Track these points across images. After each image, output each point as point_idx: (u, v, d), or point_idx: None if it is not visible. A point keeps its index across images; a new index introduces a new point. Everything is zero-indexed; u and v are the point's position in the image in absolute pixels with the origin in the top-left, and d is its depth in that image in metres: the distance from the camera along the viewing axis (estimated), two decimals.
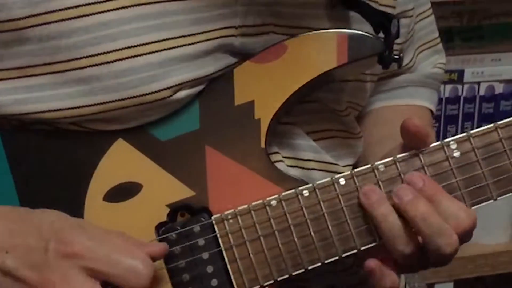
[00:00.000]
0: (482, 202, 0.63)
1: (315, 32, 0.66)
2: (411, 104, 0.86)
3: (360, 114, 0.83)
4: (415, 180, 0.62)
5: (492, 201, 0.63)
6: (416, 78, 0.87)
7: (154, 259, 0.59)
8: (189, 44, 0.62)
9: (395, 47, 0.68)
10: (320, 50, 0.65)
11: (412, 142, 0.63)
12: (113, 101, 0.61)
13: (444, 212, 0.61)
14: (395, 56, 0.67)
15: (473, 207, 0.63)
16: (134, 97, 0.61)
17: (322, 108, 0.72)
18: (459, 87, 1.56)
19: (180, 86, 0.62)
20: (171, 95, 0.62)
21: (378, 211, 0.61)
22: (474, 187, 0.62)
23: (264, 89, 0.65)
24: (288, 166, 0.70)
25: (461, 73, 1.54)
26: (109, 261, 0.56)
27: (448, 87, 1.55)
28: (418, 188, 0.61)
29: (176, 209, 0.64)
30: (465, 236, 0.62)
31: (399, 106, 0.86)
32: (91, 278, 0.56)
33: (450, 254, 0.61)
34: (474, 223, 0.62)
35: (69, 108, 0.61)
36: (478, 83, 1.56)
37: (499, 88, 1.56)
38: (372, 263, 0.62)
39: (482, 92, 1.56)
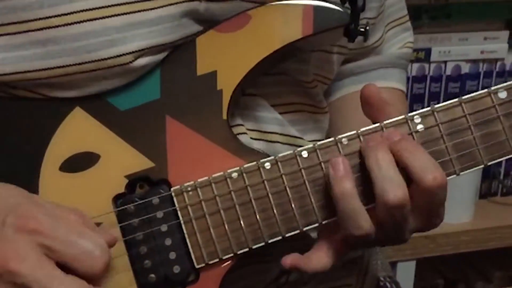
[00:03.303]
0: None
1: (281, 2, 0.64)
2: (384, 87, 0.85)
3: (333, 98, 0.82)
4: (393, 134, 0.60)
5: (455, 176, 0.62)
6: (387, 60, 0.86)
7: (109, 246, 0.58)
8: (152, 9, 0.60)
9: (364, 21, 0.66)
10: (285, 20, 0.64)
11: (371, 112, 0.63)
12: (70, 65, 0.59)
13: (416, 167, 0.59)
14: (361, 29, 0.65)
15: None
16: (92, 61, 0.59)
17: (289, 80, 0.71)
18: (426, 66, 1.56)
19: (140, 53, 0.60)
20: (131, 61, 0.60)
21: (339, 186, 0.60)
22: (437, 161, 0.62)
23: (227, 59, 0.64)
24: (252, 139, 0.69)
25: (428, 51, 1.54)
26: (67, 241, 0.55)
27: (415, 65, 1.55)
28: (395, 141, 0.60)
29: (134, 180, 0.63)
30: (438, 190, 0.60)
31: None
32: (47, 256, 0.55)
33: (396, 205, 0.59)
34: (445, 180, 0.60)
35: (25, 72, 0.59)
36: (445, 62, 1.56)
37: (465, 68, 1.57)
38: (288, 261, 0.62)
39: (448, 72, 1.56)
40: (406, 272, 1.56)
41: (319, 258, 0.62)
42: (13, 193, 0.57)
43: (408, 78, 1.54)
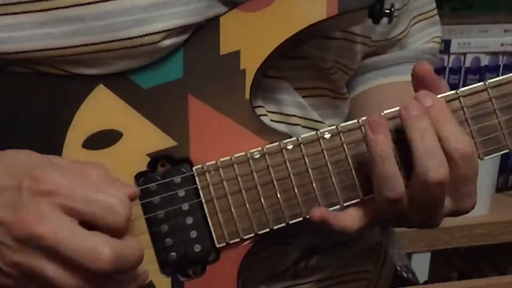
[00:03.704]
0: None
1: None
2: (409, 81, 0.84)
3: (356, 92, 0.82)
4: (424, 97, 0.60)
5: (478, 160, 0.62)
6: (412, 54, 0.85)
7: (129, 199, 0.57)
8: None
9: (389, 4, 0.66)
10: (310, 0, 0.63)
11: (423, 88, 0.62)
12: (96, 44, 0.59)
13: (446, 137, 0.59)
14: (386, 11, 0.65)
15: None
16: (118, 40, 0.59)
17: (310, 64, 0.70)
18: (445, 57, 1.55)
19: (167, 33, 0.60)
20: (157, 41, 0.60)
21: (378, 148, 0.58)
22: (488, 137, 0.61)
23: (251, 39, 0.63)
24: (272, 121, 0.68)
25: (447, 43, 1.53)
26: (85, 198, 0.54)
27: None
28: (426, 107, 0.59)
29: (156, 158, 0.63)
30: (465, 162, 0.60)
31: (399, 83, 0.84)
32: (68, 216, 0.54)
33: (436, 183, 0.58)
34: (473, 151, 0.60)
35: (51, 49, 0.59)
36: (464, 54, 1.55)
37: (484, 60, 1.56)
38: (317, 213, 0.61)
39: (467, 64, 1.55)
40: (420, 264, 1.55)
41: (347, 217, 0.62)
42: (27, 156, 0.57)
43: None
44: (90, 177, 0.56)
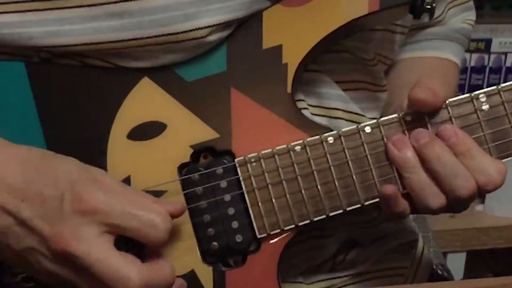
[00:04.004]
0: (508, 156, 0.62)
1: None
2: (437, 57, 0.85)
3: None
4: (448, 134, 0.61)
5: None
6: (443, 32, 0.85)
7: (172, 217, 0.58)
8: None
9: None
10: None
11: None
12: (144, 38, 0.61)
13: (476, 167, 0.60)
14: (427, 6, 0.65)
15: None
16: (166, 34, 0.60)
17: (351, 58, 0.71)
18: (486, 56, 1.54)
19: (213, 28, 0.61)
20: (203, 36, 0.61)
21: (407, 162, 0.61)
22: (502, 141, 0.61)
23: (293, 33, 0.64)
24: (313, 114, 0.69)
25: (488, 42, 1.52)
26: (125, 215, 0.55)
27: (475, 56, 1.53)
28: (452, 142, 0.60)
29: (199, 150, 0.64)
30: (491, 191, 0.62)
31: (425, 58, 0.85)
32: (104, 234, 0.55)
33: (466, 197, 0.60)
34: (503, 179, 0.61)
35: (99, 43, 0.61)
36: (505, 53, 1.54)
37: None
38: (390, 189, 0.61)
39: (508, 63, 1.54)
40: (456, 264, 1.54)
41: (404, 202, 0.62)
42: (75, 168, 0.57)
43: (466, 68, 1.53)
44: (130, 195, 0.57)
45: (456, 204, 0.61)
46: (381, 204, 0.62)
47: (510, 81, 1.54)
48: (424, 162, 0.61)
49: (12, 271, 0.62)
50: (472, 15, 0.87)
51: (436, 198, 0.61)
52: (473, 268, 1.61)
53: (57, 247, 0.55)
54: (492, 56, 1.54)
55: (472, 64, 1.53)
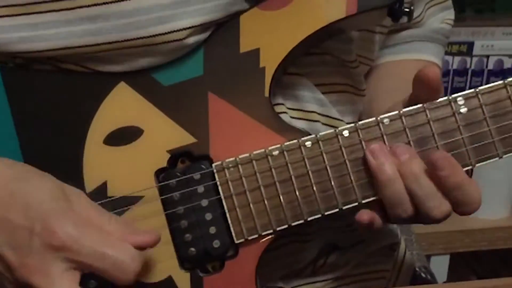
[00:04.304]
0: (487, 160, 0.62)
1: None
2: (418, 59, 0.85)
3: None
4: (443, 165, 0.59)
5: (497, 158, 0.62)
6: (423, 33, 0.85)
7: (145, 248, 0.57)
8: None
9: (405, 2, 0.66)
10: None
11: (423, 92, 0.61)
12: (119, 41, 0.60)
13: (463, 199, 0.60)
14: (406, 9, 0.65)
15: (477, 164, 0.62)
16: (142, 38, 0.60)
17: (332, 60, 0.71)
18: (468, 59, 1.54)
19: (189, 30, 0.61)
20: (180, 39, 0.61)
21: (383, 175, 0.60)
22: (480, 144, 0.61)
23: (271, 37, 0.64)
24: (292, 117, 0.69)
25: (470, 45, 1.52)
26: (94, 254, 0.54)
27: (457, 59, 1.54)
28: (445, 175, 0.59)
29: (177, 155, 0.63)
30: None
31: (406, 61, 0.84)
32: (71, 270, 0.55)
33: (439, 218, 0.60)
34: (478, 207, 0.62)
35: (75, 47, 0.60)
36: (487, 56, 1.55)
37: (508, 63, 1.55)
38: (365, 217, 0.61)
39: (490, 66, 1.55)
40: (439, 266, 1.54)
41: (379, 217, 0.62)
42: (47, 196, 0.56)
43: (449, 71, 1.53)
44: (105, 229, 0.56)
45: (426, 220, 0.61)
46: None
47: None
48: (402, 177, 0.60)
49: None
50: (450, 14, 0.87)
51: (407, 211, 0.60)
52: (456, 270, 1.61)
53: (22, 278, 0.54)
54: (474, 59, 1.54)
55: (455, 67, 1.53)
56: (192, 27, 0.61)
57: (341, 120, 0.72)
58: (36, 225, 0.54)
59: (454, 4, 0.88)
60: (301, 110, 0.69)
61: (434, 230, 1.49)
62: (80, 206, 0.57)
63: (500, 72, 1.54)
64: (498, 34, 1.54)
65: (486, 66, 1.55)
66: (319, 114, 0.70)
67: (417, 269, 0.92)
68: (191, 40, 0.62)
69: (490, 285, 0.62)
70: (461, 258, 1.59)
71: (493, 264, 1.70)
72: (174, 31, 0.60)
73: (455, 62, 1.54)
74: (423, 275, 0.94)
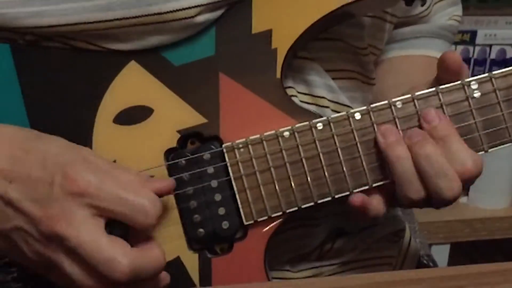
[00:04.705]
0: (500, 145, 0.62)
1: None
2: (425, 55, 0.84)
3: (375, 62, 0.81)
4: (430, 117, 0.60)
5: (510, 144, 0.61)
6: (431, 29, 0.85)
7: (162, 195, 0.58)
8: None
9: None
10: None
11: (444, 76, 0.62)
12: (130, 18, 0.59)
13: (452, 156, 0.60)
14: None
15: (490, 150, 0.62)
16: (153, 14, 0.59)
17: (344, 47, 0.70)
18: (471, 48, 1.54)
19: (200, 8, 0.60)
20: (190, 17, 0.60)
21: (394, 152, 0.60)
22: (493, 129, 0.61)
23: (283, 18, 0.63)
24: (302, 102, 0.68)
25: (473, 34, 1.52)
26: (115, 199, 0.55)
27: (459, 47, 1.53)
28: (433, 126, 0.60)
29: (187, 135, 0.63)
30: (467, 182, 0.61)
31: (413, 57, 0.84)
32: (95, 217, 0.55)
33: (450, 198, 0.60)
34: (480, 171, 0.61)
35: (86, 23, 0.60)
36: (490, 45, 1.54)
37: (510, 52, 1.55)
38: (357, 199, 0.61)
39: (493, 55, 1.55)
40: (440, 256, 1.55)
41: (378, 203, 0.62)
42: (64, 149, 0.57)
43: None
44: (122, 177, 0.56)
45: (437, 202, 0.61)
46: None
47: None
48: (413, 158, 0.60)
49: None
50: (458, 10, 0.87)
51: (418, 192, 0.60)
52: (457, 260, 1.61)
53: (47, 228, 0.54)
54: (477, 48, 1.54)
55: None
56: (202, 5, 0.60)
57: (350, 107, 0.71)
58: (56, 175, 0.54)
59: None
60: (310, 95, 0.69)
61: (435, 219, 1.49)
62: (95, 160, 0.57)
63: (503, 62, 1.54)
64: (501, 23, 1.54)
65: (489, 56, 1.55)
66: (328, 100, 0.69)
67: (420, 257, 0.92)
68: (201, 18, 0.61)
69: (487, 270, 0.62)
70: (461, 248, 1.59)
71: (493, 254, 1.71)
72: (183, 9, 0.60)
73: (457, 51, 1.54)
74: (426, 263, 0.94)
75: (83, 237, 0.54)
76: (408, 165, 0.60)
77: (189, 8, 0.60)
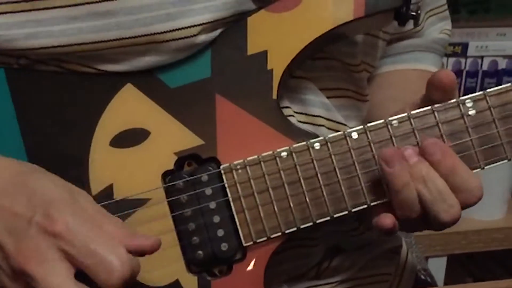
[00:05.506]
0: (496, 162, 0.62)
1: None
2: (417, 69, 0.85)
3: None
4: (433, 151, 0.59)
5: (506, 161, 0.62)
6: (422, 43, 0.86)
7: (144, 253, 0.56)
8: None
9: (412, 5, 0.66)
10: (337, 2, 0.63)
11: (436, 94, 0.61)
12: (125, 38, 0.59)
13: (461, 185, 0.59)
14: (412, 13, 0.65)
15: (486, 167, 0.62)
16: (148, 35, 0.59)
17: (337, 65, 0.70)
18: (462, 60, 1.55)
19: (201, 27, 0.60)
20: (192, 36, 0.60)
21: (399, 181, 0.59)
22: (489, 146, 0.61)
23: (278, 39, 0.63)
24: (299, 121, 0.69)
25: (465, 46, 1.53)
26: (85, 248, 0.53)
27: (451, 60, 1.54)
28: (436, 160, 0.59)
29: (183, 157, 0.63)
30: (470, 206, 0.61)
31: (406, 71, 0.85)
32: (65, 261, 0.53)
33: (448, 222, 0.60)
34: (481, 196, 0.61)
35: (81, 44, 0.60)
36: (482, 57, 1.55)
37: (502, 64, 1.56)
38: (389, 220, 0.60)
39: (485, 67, 1.55)
40: (436, 268, 1.55)
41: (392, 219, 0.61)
42: (52, 187, 0.55)
43: None
44: (104, 227, 0.54)
45: (435, 224, 0.60)
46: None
47: (486, 84, 1.55)
48: (411, 179, 0.59)
49: None
50: (448, 25, 0.88)
51: (417, 213, 0.60)
52: (453, 272, 1.62)
53: (17, 265, 0.53)
54: (469, 60, 1.55)
55: (449, 68, 1.54)
56: (202, 24, 0.61)
57: (346, 125, 0.72)
58: (37, 213, 0.53)
59: (448, 6, 0.89)
60: (307, 114, 0.69)
61: (431, 232, 1.49)
62: (84, 203, 0.56)
63: (495, 73, 1.55)
64: (492, 35, 1.55)
65: (481, 67, 1.55)
66: (324, 118, 0.69)
67: (418, 272, 0.92)
68: (201, 38, 0.61)
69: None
70: (458, 260, 1.60)
71: (489, 265, 1.71)
72: (182, 28, 0.60)
73: (449, 63, 1.54)
74: (423, 277, 0.94)
75: (51, 280, 0.52)
76: (411, 191, 0.59)
77: (189, 27, 0.60)
